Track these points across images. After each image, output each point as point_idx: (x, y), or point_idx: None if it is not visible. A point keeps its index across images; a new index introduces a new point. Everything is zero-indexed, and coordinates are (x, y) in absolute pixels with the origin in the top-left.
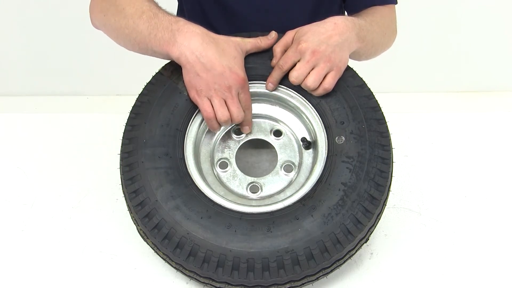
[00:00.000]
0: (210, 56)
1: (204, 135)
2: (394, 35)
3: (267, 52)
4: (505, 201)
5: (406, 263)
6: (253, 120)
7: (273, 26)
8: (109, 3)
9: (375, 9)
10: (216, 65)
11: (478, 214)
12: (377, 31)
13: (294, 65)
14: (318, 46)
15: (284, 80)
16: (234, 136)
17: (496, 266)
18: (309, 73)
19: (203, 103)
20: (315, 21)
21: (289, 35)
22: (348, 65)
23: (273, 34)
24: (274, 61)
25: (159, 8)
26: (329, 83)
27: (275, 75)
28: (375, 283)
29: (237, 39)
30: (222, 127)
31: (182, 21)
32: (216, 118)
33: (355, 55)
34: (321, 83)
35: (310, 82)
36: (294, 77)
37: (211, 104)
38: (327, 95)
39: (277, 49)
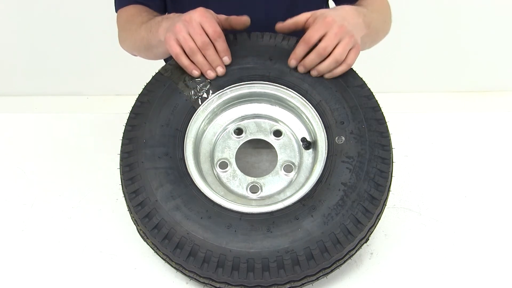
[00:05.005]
0: (185, 15)
1: (204, 135)
2: (391, 21)
3: (267, 52)
4: (505, 201)
5: (406, 263)
6: (253, 120)
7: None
8: (124, 32)
9: None
10: (185, 15)
11: (478, 214)
12: (379, 19)
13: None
14: (342, 21)
15: (284, 81)
16: (234, 136)
17: (496, 266)
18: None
19: (169, 40)
20: (293, 14)
21: (303, 15)
22: None
23: (247, 17)
24: (288, 21)
25: (157, 14)
26: (352, 59)
27: (300, 50)
28: (375, 283)
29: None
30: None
31: (172, 14)
32: (184, 52)
33: (361, 44)
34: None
35: (338, 54)
36: (322, 48)
37: (179, 42)
38: (327, 94)
39: (290, 21)
